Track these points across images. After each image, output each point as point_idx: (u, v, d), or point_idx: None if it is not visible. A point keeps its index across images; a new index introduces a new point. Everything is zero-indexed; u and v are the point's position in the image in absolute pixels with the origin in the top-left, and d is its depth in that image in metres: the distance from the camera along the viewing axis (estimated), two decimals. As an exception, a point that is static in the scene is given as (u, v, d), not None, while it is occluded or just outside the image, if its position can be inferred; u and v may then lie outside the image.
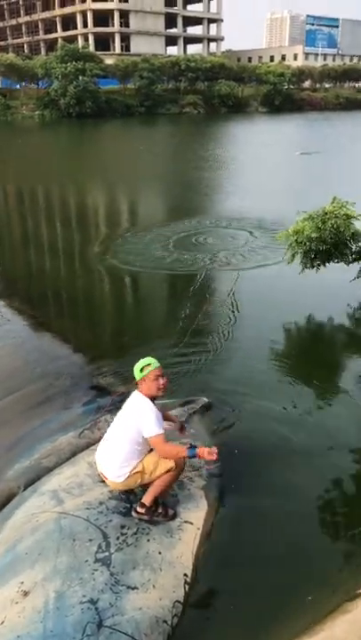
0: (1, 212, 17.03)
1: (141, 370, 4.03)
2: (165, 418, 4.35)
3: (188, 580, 3.61)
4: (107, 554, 3.66)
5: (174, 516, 4.06)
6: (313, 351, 7.24)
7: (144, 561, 3.64)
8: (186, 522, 4.05)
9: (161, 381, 4.03)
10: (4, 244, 12.53)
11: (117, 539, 3.80)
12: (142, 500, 4.01)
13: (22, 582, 3.49)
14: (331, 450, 5.09)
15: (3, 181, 22.33)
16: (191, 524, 4.04)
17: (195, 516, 4.12)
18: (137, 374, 4.05)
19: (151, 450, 4.04)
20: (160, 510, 4.04)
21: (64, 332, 7.60)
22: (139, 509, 4.00)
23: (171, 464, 3.93)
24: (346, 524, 4.27)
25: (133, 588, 3.42)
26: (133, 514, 4.01)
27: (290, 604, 3.57)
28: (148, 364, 4.05)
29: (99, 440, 5.12)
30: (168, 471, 3.95)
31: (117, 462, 4.00)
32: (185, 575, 3.62)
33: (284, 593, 3.66)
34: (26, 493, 4.51)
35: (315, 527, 4.22)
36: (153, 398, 4.08)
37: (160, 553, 3.73)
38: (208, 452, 3.83)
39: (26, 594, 3.39)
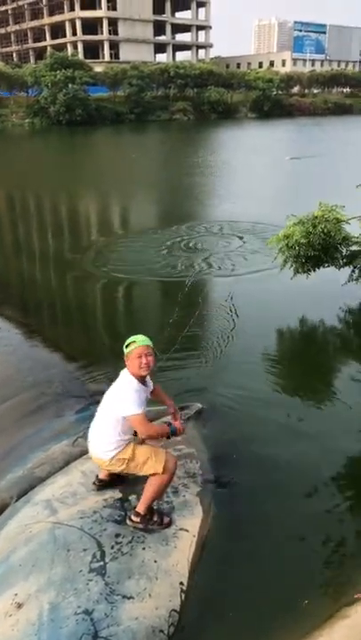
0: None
1: (127, 346, 3.93)
2: (158, 398, 4.36)
3: (185, 588, 3.57)
4: (101, 563, 3.62)
5: (170, 524, 4.01)
6: (306, 355, 7.25)
7: (139, 570, 3.60)
8: (181, 529, 4.02)
9: (143, 360, 3.88)
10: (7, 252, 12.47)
11: (112, 548, 3.76)
12: (136, 509, 3.98)
13: (16, 594, 3.45)
14: (328, 454, 5.07)
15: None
16: (187, 531, 4.01)
17: (190, 523, 4.09)
18: (124, 350, 3.95)
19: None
20: (155, 518, 3.99)
21: (56, 339, 7.56)
22: (133, 518, 3.95)
23: (160, 467, 3.87)
24: (345, 528, 4.24)
25: (129, 598, 3.38)
26: (128, 522, 3.96)
27: (288, 611, 3.54)
28: (133, 342, 3.92)
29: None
30: (155, 474, 3.89)
31: (104, 441, 3.95)
32: (181, 583, 3.59)
33: (282, 599, 3.63)
34: (19, 504, 4.46)
35: (312, 532, 4.19)
36: (142, 377, 3.98)
37: (155, 561, 3.69)
38: (182, 426, 4.03)
39: (20, 606, 3.35)
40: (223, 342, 7.24)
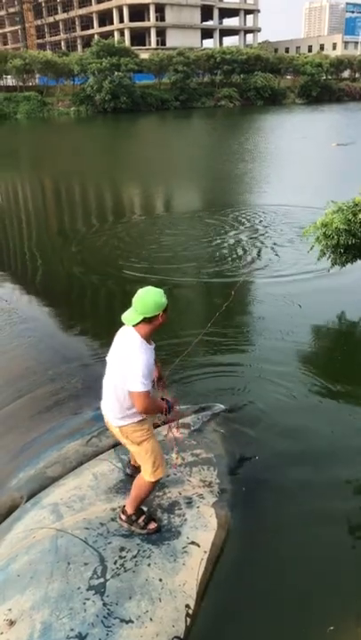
0: (33, 208, 16.89)
1: (164, 305, 3.37)
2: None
3: (191, 612, 3.25)
4: (102, 580, 3.34)
5: (155, 530, 3.75)
6: (347, 359, 6.73)
7: (142, 589, 3.30)
8: (192, 543, 3.70)
9: (164, 319, 3.42)
10: (32, 241, 12.35)
11: (115, 563, 3.48)
12: (125, 507, 3.79)
13: (10, 609, 3.22)
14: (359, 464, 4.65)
15: (43, 175, 22.40)
16: (198, 546, 3.68)
17: (203, 537, 3.76)
18: (153, 308, 3.32)
19: None
20: (140, 521, 3.75)
21: (81, 333, 7.31)
22: (122, 515, 3.81)
23: (152, 475, 3.61)
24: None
25: (127, 622, 3.09)
26: (118, 520, 3.82)
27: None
28: (164, 300, 3.38)
29: (106, 448, 4.87)
30: (143, 476, 3.67)
31: (114, 407, 3.52)
32: (187, 606, 3.27)
33: (301, 630, 3.27)
34: (27, 505, 4.26)
35: (343, 552, 3.81)
36: (150, 337, 3.48)
37: (161, 580, 3.39)
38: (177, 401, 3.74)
39: (12, 623, 3.12)
40: (255, 343, 6.86)
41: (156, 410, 3.51)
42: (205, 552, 3.65)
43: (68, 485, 4.34)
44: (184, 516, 3.91)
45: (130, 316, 3.37)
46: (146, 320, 3.34)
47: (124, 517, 3.79)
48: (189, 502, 4.05)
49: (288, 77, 69.75)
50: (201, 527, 3.84)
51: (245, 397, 5.58)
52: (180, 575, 3.44)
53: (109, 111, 56.26)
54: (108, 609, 3.15)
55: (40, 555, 3.60)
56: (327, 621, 3.29)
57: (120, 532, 3.74)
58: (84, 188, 19.69)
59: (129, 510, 3.76)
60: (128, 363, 3.34)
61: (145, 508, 3.87)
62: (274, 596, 3.50)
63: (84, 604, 3.18)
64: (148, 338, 3.45)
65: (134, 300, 3.38)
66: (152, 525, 3.77)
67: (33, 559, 3.57)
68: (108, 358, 3.61)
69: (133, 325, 3.37)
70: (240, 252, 10.38)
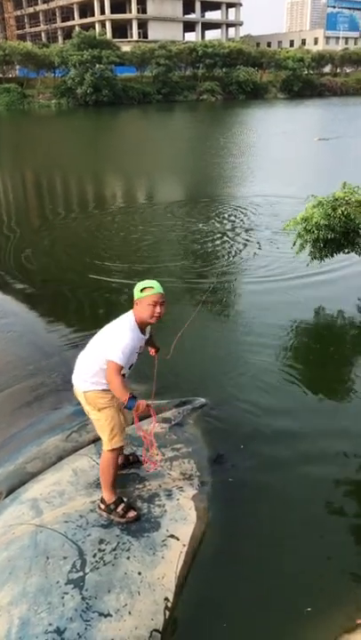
0: (13, 201, 16.71)
1: (141, 290, 3.63)
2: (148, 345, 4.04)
3: (170, 605, 3.27)
4: (80, 574, 3.34)
5: (135, 519, 3.78)
6: (323, 352, 6.78)
7: (121, 583, 3.31)
8: (171, 536, 3.71)
9: (157, 309, 3.61)
10: (13, 233, 12.21)
11: (94, 556, 3.48)
12: (102, 496, 3.85)
13: (-12, 605, 3.20)
14: (340, 456, 4.68)
15: (23, 169, 22.17)
16: (177, 539, 3.70)
17: (182, 530, 3.78)
18: (136, 293, 3.66)
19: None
20: (118, 510, 3.78)
21: (63, 328, 7.25)
22: (100, 505, 3.85)
23: (109, 443, 3.73)
24: (355, 538, 3.89)
25: (106, 616, 3.09)
26: (97, 510, 3.86)
27: (286, 636, 3.21)
28: (151, 287, 3.63)
29: (86, 443, 4.86)
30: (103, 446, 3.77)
31: (85, 370, 3.73)
32: (166, 599, 3.28)
33: (279, 622, 3.29)
34: (6, 501, 4.23)
35: (320, 544, 3.84)
36: (143, 325, 3.72)
37: (140, 573, 3.39)
38: (144, 406, 3.50)
39: (-10, 619, 3.10)
40: (234, 339, 6.89)
41: (117, 390, 3.49)
42: (184, 545, 3.66)
43: (48, 481, 4.32)
44: (164, 508, 3.92)
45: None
46: (135, 303, 3.67)
47: (102, 507, 3.83)
48: (169, 495, 4.06)
49: (269, 72, 69.59)
50: (180, 520, 3.85)
51: (226, 391, 5.60)
52: (159, 568, 3.46)
53: (91, 104, 55.81)
54: (87, 603, 3.15)
55: (19, 550, 3.58)
56: (309, 612, 3.32)
57: (99, 523, 3.74)
58: (62, 182, 19.52)
59: (106, 497, 3.81)
60: (115, 334, 3.58)
61: (125, 499, 3.88)
62: (253, 587, 3.52)
63: (63, 598, 3.18)
64: (142, 327, 3.71)
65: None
66: (131, 514, 3.79)
67: (12, 555, 3.55)
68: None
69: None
70: (217, 247, 10.40)
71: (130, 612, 3.14)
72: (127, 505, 3.82)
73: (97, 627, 3.02)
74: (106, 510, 3.81)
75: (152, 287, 3.64)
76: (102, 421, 3.74)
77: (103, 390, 3.69)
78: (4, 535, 3.82)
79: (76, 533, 3.67)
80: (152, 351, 4.15)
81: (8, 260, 10.10)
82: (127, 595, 3.24)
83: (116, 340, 3.54)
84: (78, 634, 2.97)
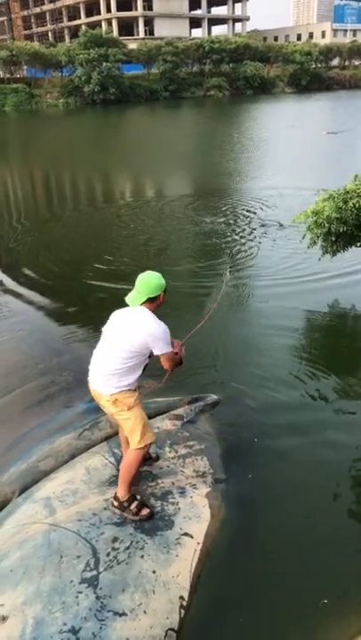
0: (23, 198, 16.74)
1: (164, 285, 3.73)
2: None
3: (185, 603, 3.24)
4: (94, 573, 3.31)
5: (149, 516, 3.76)
6: (336, 344, 6.71)
7: (135, 582, 3.28)
8: (185, 534, 3.68)
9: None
10: (21, 232, 12.22)
11: (108, 555, 3.45)
12: (116, 493, 3.80)
13: (2, 605, 3.18)
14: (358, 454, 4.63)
15: (33, 167, 22.23)
16: (191, 537, 3.66)
17: (196, 528, 3.74)
18: (155, 289, 3.68)
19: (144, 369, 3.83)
20: (132, 507, 3.75)
21: (72, 326, 7.23)
22: (114, 502, 3.81)
23: (142, 440, 3.72)
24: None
25: (121, 615, 3.06)
26: (110, 507, 3.82)
27: (301, 635, 3.16)
28: (164, 282, 3.75)
29: (99, 441, 4.84)
30: (131, 445, 3.75)
31: (109, 374, 3.66)
32: (181, 598, 3.25)
33: (294, 622, 3.24)
34: (19, 500, 4.21)
35: (337, 542, 3.78)
36: None
37: (154, 572, 3.36)
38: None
39: (4, 619, 3.08)
40: (246, 332, 6.83)
41: (177, 361, 3.82)
42: (199, 543, 3.63)
43: (61, 479, 4.30)
44: (177, 506, 3.89)
45: (133, 298, 3.69)
46: (150, 300, 3.68)
47: (116, 504, 3.80)
48: (182, 492, 4.03)
49: (277, 66, 69.11)
50: (194, 518, 3.82)
51: (239, 387, 5.55)
52: (173, 567, 3.42)
53: (98, 102, 55.79)
54: (102, 602, 3.12)
55: (32, 549, 3.56)
56: (324, 613, 3.27)
57: (113, 521, 3.72)
58: (71, 182, 19.53)
59: (121, 494, 3.77)
60: (145, 332, 3.59)
61: (138, 496, 3.85)
62: (268, 585, 3.48)
63: (77, 597, 3.15)
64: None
65: (137, 283, 3.69)
66: (145, 511, 3.77)
67: (25, 554, 3.54)
68: (105, 332, 3.80)
69: (139, 305, 3.69)
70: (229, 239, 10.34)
71: (145, 611, 3.11)
72: (141, 502, 3.80)
73: (112, 626, 2.99)
74: (119, 507, 3.78)
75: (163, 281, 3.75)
76: (133, 420, 3.71)
77: (130, 390, 3.72)
78: (17, 534, 3.80)
79: (90, 532, 3.64)
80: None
81: (17, 257, 10.11)
82: (142, 593, 3.21)
83: (155, 335, 3.59)
84: (93, 633, 2.94)
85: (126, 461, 3.80)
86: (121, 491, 3.79)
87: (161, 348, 3.62)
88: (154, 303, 3.71)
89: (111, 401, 3.70)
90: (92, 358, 3.86)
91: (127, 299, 3.72)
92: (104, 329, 3.83)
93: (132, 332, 3.61)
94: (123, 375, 3.66)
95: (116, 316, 3.81)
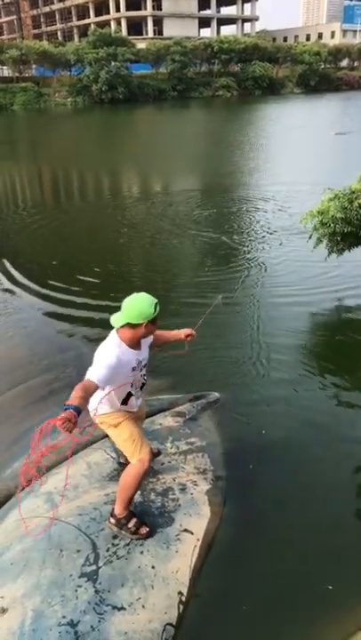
0: (35, 198, 16.79)
1: (149, 315, 3.28)
2: (164, 341, 3.80)
3: (184, 598, 3.24)
4: (94, 567, 3.33)
5: (147, 535, 3.57)
6: (341, 342, 6.71)
7: (134, 576, 3.29)
8: (185, 531, 3.69)
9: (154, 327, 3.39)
10: (26, 230, 12.27)
11: (107, 550, 3.47)
12: (113, 510, 3.62)
13: (2, 597, 3.21)
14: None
15: (42, 164, 22.30)
16: (191, 533, 3.67)
17: (196, 524, 3.75)
18: (136, 316, 3.25)
19: (126, 399, 3.54)
20: (130, 525, 3.56)
21: (77, 322, 7.26)
22: (111, 519, 3.62)
23: (136, 454, 3.47)
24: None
25: (120, 609, 3.08)
26: (107, 524, 3.64)
27: (300, 631, 3.17)
28: (155, 306, 3.30)
29: (100, 437, 4.85)
30: (129, 460, 3.53)
31: (92, 399, 3.32)
32: (180, 593, 3.26)
33: (295, 618, 3.25)
34: (22, 495, 4.23)
35: (340, 539, 3.77)
36: (138, 342, 3.44)
37: (153, 567, 3.37)
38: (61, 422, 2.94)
39: (4, 611, 3.11)
40: (248, 330, 6.83)
41: (88, 392, 3.12)
42: (199, 539, 3.64)
43: (63, 474, 4.32)
44: (178, 502, 3.90)
45: (116, 318, 3.34)
46: (130, 325, 3.31)
47: (113, 521, 3.61)
48: (183, 489, 4.03)
49: (286, 67, 68.93)
50: (194, 514, 3.82)
51: (241, 385, 5.56)
52: (173, 562, 3.43)
53: (106, 102, 55.90)
54: (101, 596, 3.14)
55: (33, 543, 3.58)
56: (324, 608, 3.28)
57: (113, 519, 3.72)
58: (80, 179, 19.58)
59: (118, 511, 3.59)
60: (96, 356, 3.31)
61: (136, 514, 3.70)
62: (268, 581, 3.48)
63: (76, 591, 3.17)
64: (133, 344, 3.42)
65: (123, 303, 3.34)
66: (143, 530, 3.59)
67: (26, 547, 3.56)
68: None
69: (117, 328, 3.37)
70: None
71: (143, 606, 3.12)
72: (139, 521, 3.61)
73: (110, 620, 3.00)
74: (116, 525, 3.59)
75: (156, 306, 3.33)
76: (122, 436, 3.55)
77: (111, 413, 3.55)
78: (18, 528, 3.82)
79: (90, 526, 3.66)
80: (177, 335, 3.88)
81: (23, 253, 10.15)
82: (141, 588, 3.22)
83: (96, 360, 3.31)
84: (92, 626, 2.96)
85: (125, 476, 3.56)
86: (118, 507, 3.59)
87: (90, 370, 3.24)
88: (133, 331, 3.33)
89: (98, 422, 3.60)
90: None
91: (112, 317, 3.36)
92: None
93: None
94: (96, 398, 3.38)
95: None
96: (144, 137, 30.68)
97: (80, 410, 2.88)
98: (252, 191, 14.91)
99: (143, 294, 3.36)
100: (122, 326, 3.34)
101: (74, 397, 2.97)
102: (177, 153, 23.50)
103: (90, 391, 3.10)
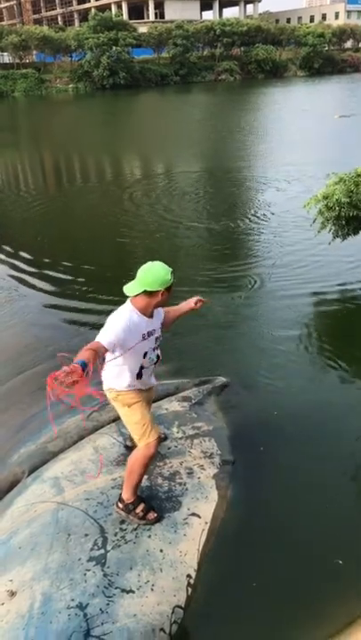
0: (38, 184, 16.71)
1: (168, 282, 3.26)
2: (174, 317, 3.72)
3: (192, 581, 3.26)
4: (102, 551, 3.34)
5: (155, 520, 3.58)
6: (348, 327, 6.67)
7: (143, 560, 3.30)
8: (193, 514, 3.69)
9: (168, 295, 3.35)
10: (33, 217, 12.22)
11: (115, 534, 3.48)
12: (121, 494, 3.63)
13: (11, 580, 3.23)
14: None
15: (45, 151, 22.21)
16: (199, 517, 3.68)
17: (203, 508, 3.76)
18: (154, 282, 3.23)
19: (140, 373, 3.50)
20: (138, 510, 3.57)
21: (82, 309, 7.24)
22: (118, 504, 3.63)
23: (144, 438, 3.46)
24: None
25: (128, 592, 3.09)
26: (114, 509, 3.65)
27: (308, 613, 3.18)
28: (169, 277, 3.27)
29: (107, 422, 4.86)
30: (136, 442, 3.53)
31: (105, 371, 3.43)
32: (188, 576, 3.27)
33: (302, 600, 3.25)
34: (28, 480, 4.25)
35: (347, 523, 3.77)
36: (148, 314, 3.40)
37: (162, 551, 3.38)
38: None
39: (13, 594, 3.12)
40: (256, 314, 6.80)
41: (90, 359, 2.92)
42: (207, 523, 3.65)
43: (69, 459, 4.33)
44: (185, 487, 3.91)
45: (131, 287, 3.30)
46: (146, 293, 3.28)
47: (121, 506, 3.61)
48: (190, 473, 4.04)
49: (289, 49, 68.02)
50: (202, 498, 3.83)
51: (247, 370, 5.55)
52: (181, 546, 3.44)
53: (108, 87, 55.34)
54: (109, 579, 3.15)
55: (41, 527, 3.59)
56: (331, 594, 3.28)
57: (121, 503, 3.73)
58: (81, 168, 19.48)
59: (126, 496, 3.60)
60: (107, 321, 3.29)
61: (144, 499, 3.71)
62: (275, 564, 3.49)
63: (85, 574, 3.18)
64: (146, 311, 3.38)
65: (139, 271, 3.31)
66: (151, 515, 3.59)
67: (34, 532, 3.57)
68: None
69: (133, 297, 3.33)
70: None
71: (152, 589, 3.13)
72: (148, 506, 3.63)
73: (119, 602, 3.02)
74: (124, 510, 3.60)
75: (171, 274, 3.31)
76: (132, 417, 3.53)
77: (128, 391, 3.51)
78: (26, 513, 3.84)
79: (98, 511, 3.67)
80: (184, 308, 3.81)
81: (27, 240, 10.11)
82: (149, 572, 3.23)
83: (107, 320, 3.30)
84: (101, 609, 2.97)
85: (131, 459, 3.57)
86: (126, 492, 3.60)
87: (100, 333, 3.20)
88: (150, 299, 3.30)
89: (110, 396, 3.57)
90: None
91: (125, 287, 3.30)
92: None
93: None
94: (111, 373, 3.42)
95: None
96: (148, 122, 30.41)
97: (85, 364, 2.79)
98: (264, 173, 14.79)
99: (158, 262, 3.35)
100: (136, 295, 3.31)
101: (81, 354, 2.92)
102: (181, 138, 23.29)
103: (98, 352, 3.04)
